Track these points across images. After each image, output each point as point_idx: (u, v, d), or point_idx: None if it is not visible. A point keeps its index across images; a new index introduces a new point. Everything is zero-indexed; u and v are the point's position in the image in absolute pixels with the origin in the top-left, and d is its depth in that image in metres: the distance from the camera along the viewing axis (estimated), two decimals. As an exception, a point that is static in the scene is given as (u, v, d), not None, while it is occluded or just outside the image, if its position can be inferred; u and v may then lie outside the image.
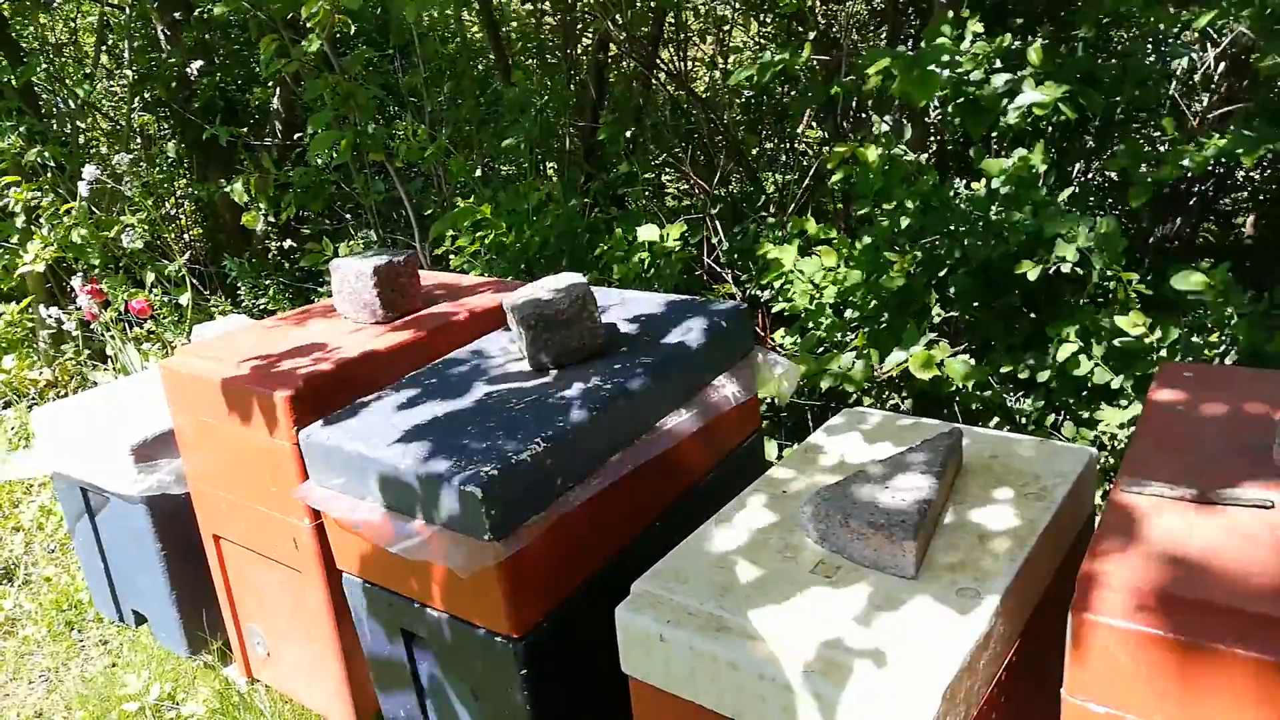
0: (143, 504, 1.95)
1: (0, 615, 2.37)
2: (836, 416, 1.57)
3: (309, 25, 2.59)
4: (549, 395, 1.47)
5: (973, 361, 2.12)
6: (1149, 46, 2.57)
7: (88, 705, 2.00)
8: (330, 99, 2.76)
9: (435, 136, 3.14)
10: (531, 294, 1.57)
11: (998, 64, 2.18)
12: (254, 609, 1.90)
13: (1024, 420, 2.09)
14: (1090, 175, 2.71)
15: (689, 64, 4.66)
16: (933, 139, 3.01)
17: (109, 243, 3.33)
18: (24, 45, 4.43)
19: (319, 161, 3.35)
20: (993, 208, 2.16)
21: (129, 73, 4.35)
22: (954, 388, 2.11)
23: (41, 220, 3.31)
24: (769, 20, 4.32)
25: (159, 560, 2.01)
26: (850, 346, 2.24)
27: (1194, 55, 2.39)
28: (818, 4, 3.91)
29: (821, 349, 2.30)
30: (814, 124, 4.05)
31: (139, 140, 4.62)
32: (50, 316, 3.47)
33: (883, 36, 3.95)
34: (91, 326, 3.45)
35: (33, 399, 3.50)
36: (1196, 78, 2.57)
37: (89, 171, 3.23)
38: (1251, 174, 3.18)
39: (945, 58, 2.13)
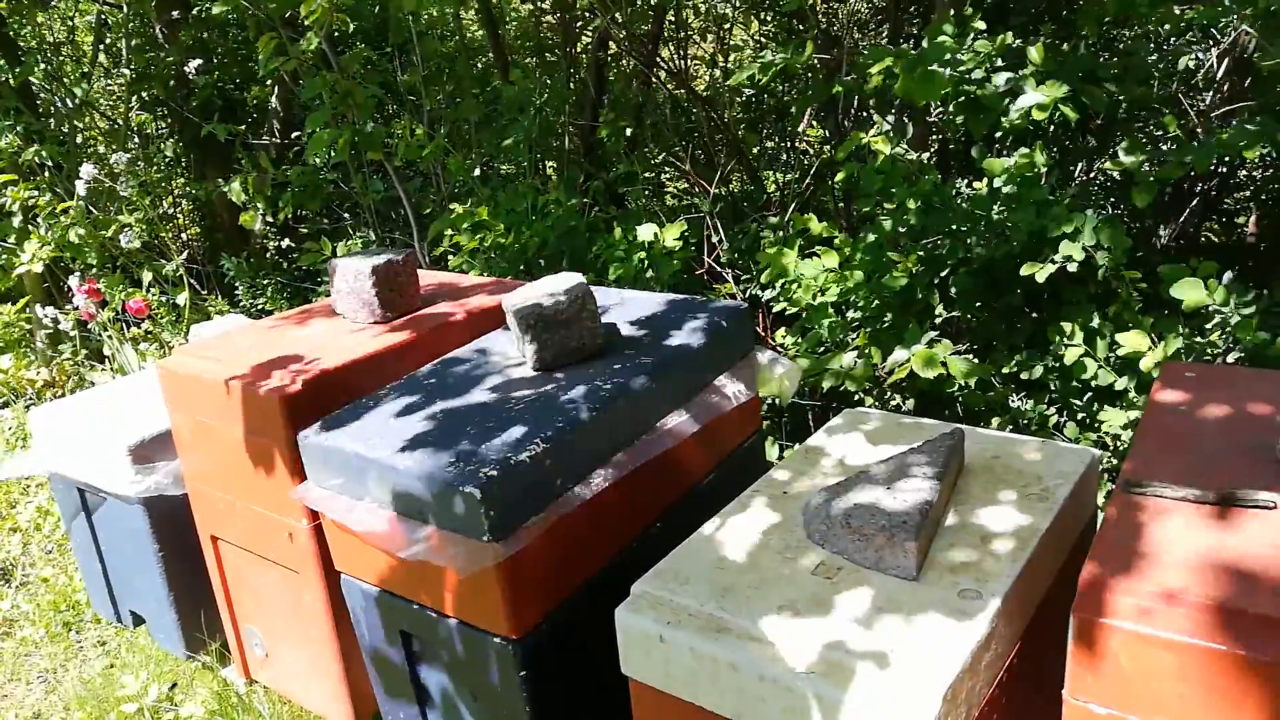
0: (140, 504, 1.94)
1: (-2, 616, 2.37)
2: (838, 417, 1.57)
3: (307, 23, 2.58)
4: (548, 395, 1.46)
5: (975, 361, 2.11)
6: (1151, 45, 2.56)
7: (86, 706, 1.99)
8: (328, 98, 2.75)
9: (434, 135, 3.13)
10: (531, 294, 1.56)
11: (999, 63, 2.17)
12: (252, 610, 1.90)
13: (1026, 421, 2.09)
14: (1093, 175, 2.70)
15: (689, 62, 4.66)
16: (934, 138, 3.00)
17: (106, 242, 3.32)
18: (21, 44, 4.41)
19: (317, 160, 3.35)
20: (995, 207, 2.15)
21: (127, 71, 4.33)
22: (956, 388, 2.10)
23: (39, 219, 3.30)
24: (769, 18, 4.31)
25: (157, 561, 2.00)
26: (852, 346, 2.24)
27: (1199, 55, 2.39)
28: (818, 2, 3.90)
29: (823, 349, 2.29)
30: (815, 123, 4.05)
31: (136, 139, 4.61)
32: (47, 316, 3.46)
33: (884, 35, 3.94)
34: (89, 326, 3.44)
35: (30, 399, 3.49)
36: (1199, 77, 2.57)
37: (86, 171, 3.22)
38: (1254, 173, 3.18)
39: (947, 56, 2.12)
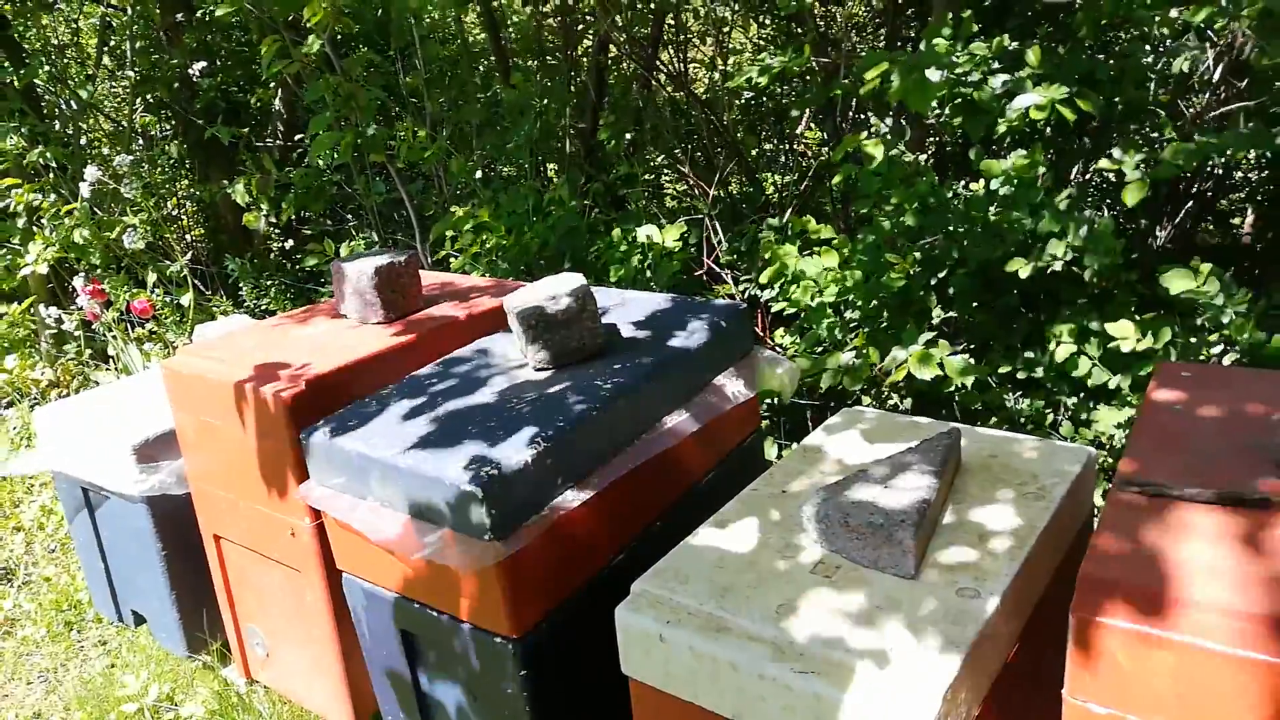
0: (143, 504, 1.95)
1: None
2: (836, 416, 1.58)
3: (310, 26, 2.60)
4: (549, 395, 1.47)
5: (972, 361, 2.12)
6: (1147, 47, 2.57)
7: (86, 706, 2.00)
8: (331, 100, 2.76)
9: (435, 138, 3.15)
10: (532, 295, 1.57)
11: (996, 65, 2.18)
12: (254, 609, 1.91)
13: (1023, 420, 2.10)
14: (1089, 176, 2.71)
15: (688, 66, 4.67)
16: (932, 140, 3.01)
17: (111, 243, 3.33)
18: (26, 46, 4.43)
19: (320, 162, 3.36)
20: (991, 208, 2.16)
21: (131, 73, 4.35)
22: (953, 387, 2.11)
23: (43, 221, 3.31)
24: (768, 22, 4.33)
25: (159, 560, 2.01)
26: (850, 346, 2.24)
27: (1195, 55, 2.40)
28: (816, 5, 3.91)
29: (821, 349, 2.30)
30: (813, 125, 4.06)
31: (141, 141, 4.63)
32: (52, 317, 3.48)
33: (881, 38, 3.95)
34: (93, 327, 3.45)
35: (34, 399, 3.50)
36: (1195, 79, 2.58)
37: (91, 172, 3.24)
38: (1249, 174, 3.19)
39: (943, 60, 2.13)
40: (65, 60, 4.90)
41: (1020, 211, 2.09)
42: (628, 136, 3.78)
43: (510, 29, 4.91)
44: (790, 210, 3.24)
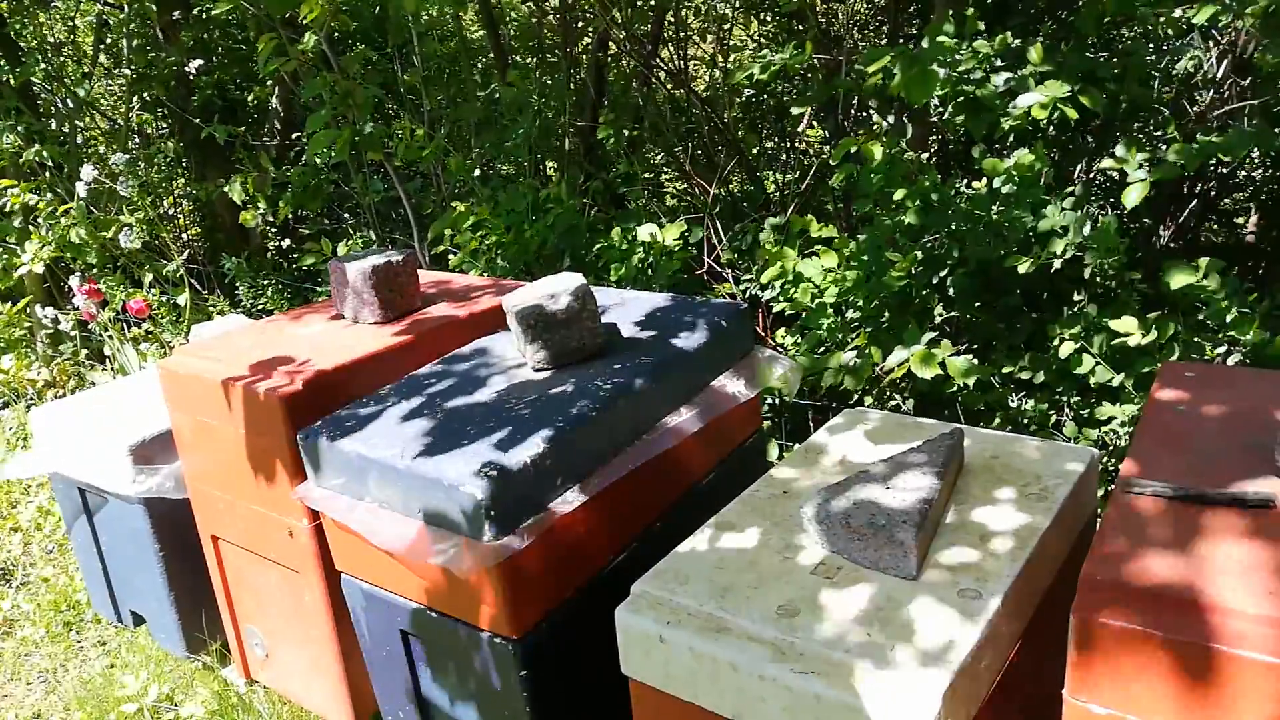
0: (141, 504, 1.95)
1: (-2, 616, 2.37)
2: (837, 416, 1.57)
3: (306, 23, 2.59)
4: (549, 395, 1.46)
5: (974, 360, 2.11)
6: (1150, 46, 2.57)
7: (86, 706, 1.99)
8: (329, 98, 2.75)
9: (434, 136, 3.13)
10: (531, 294, 1.56)
11: (999, 63, 2.17)
12: (253, 610, 1.90)
13: (1026, 420, 2.09)
14: (1092, 175, 2.70)
15: (689, 63, 4.66)
16: (934, 138, 3.00)
17: (107, 242, 3.32)
18: (22, 44, 4.42)
19: (317, 161, 3.35)
20: (993, 207, 2.15)
21: (127, 71, 4.34)
22: (955, 387, 2.10)
23: (39, 220, 3.30)
24: (769, 19, 4.31)
25: (157, 561, 2.00)
26: (851, 346, 2.24)
27: (1199, 54, 2.39)
28: (818, 2, 3.90)
29: (823, 349, 2.29)
30: (814, 123, 4.05)
31: (137, 139, 4.61)
32: (48, 316, 3.47)
33: (883, 35, 3.94)
34: (89, 326, 3.44)
35: (31, 399, 3.49)
36: (1199, 77, 2.57)
37: (87, 171, 3.22)
38: (1253, 174, 3.18)
39: (945, 56, 2.12)
40: (61, 58, 4.89)
41: (1022, 210, 2.08)
42: (627, 134, 3.77)
43: (509, 26, 4.89)
44: (792, 209, 3.24)
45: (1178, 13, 2.21)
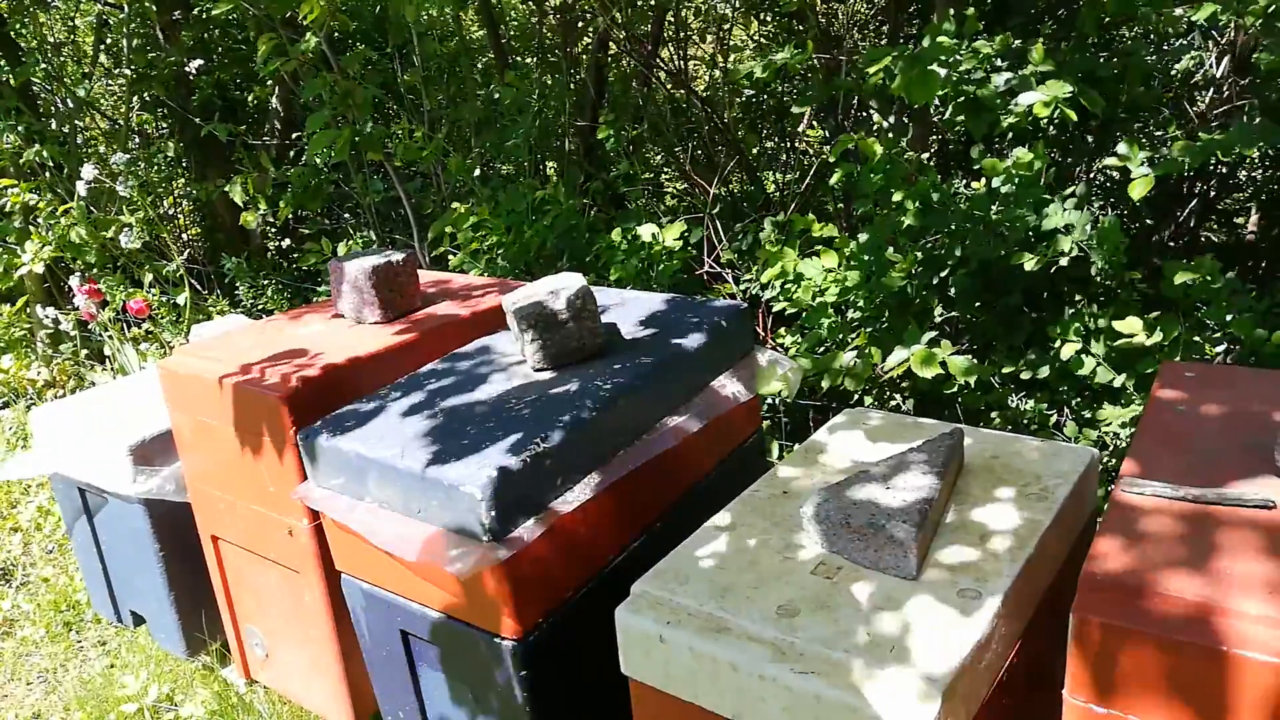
0: (141, 504, 1.95)
1: (-2, 616, 2.37)
2: (838, 416, 1.57)
3: (306, 23, 2.59)
4: (549, 395, 1.46)
5: (975, 360, 2.11)
6: (1151, 45, 2.56)
7: (86, 706, 1.99)
8: (329, 98, 2.75)
9: (433, 136, 3.13)
10: (531, 294, 1.56)
11: (999, 63, 2.17)
12: (253, 610, 1.90)
13: (1026, 421, 2.09)
14: (1093, 175, 2.70)
15: (689, 63, 4.66)
16: (934, 138, 3.00)
17: (107, 242, 3.32)
18: (22, 44, 4.42)
19: (317, 160, 3.35)
20: (993, 207, 2.15)
21: (127, 71, 4.34)
22: (955, 387, 2.10)
23: (39, 220, 3.30)
24: (769, 19, 4.31)
25: (157, 561, 2.00)
26: (851, 346, 2.24)
27: (1200, 54, 2.39)
28: (818, 2, 3.90)
29: (823, 349, 2.29)
30: (814, 123, 4.05)
31: (137, 139, 4.62)
32: (48, 316, 3.47)
33: (883, 35, 3.94)
34: (89, 326, 3.44)
35: (31, 399, 3.49)
36: (1199, 77, 2.57)
37: (87, 171, 3.22)
38: (1254, 173, 3.18)
39: (945, 56, 2.12)
40: (61, 58, 4.89)
41: (1023, 209, 2.08)
42: (627, 135, 3.77)
43: (509, 26, 4.89)
44: (792, 209, 3.24)
45: (1178, 12, 2.20)
